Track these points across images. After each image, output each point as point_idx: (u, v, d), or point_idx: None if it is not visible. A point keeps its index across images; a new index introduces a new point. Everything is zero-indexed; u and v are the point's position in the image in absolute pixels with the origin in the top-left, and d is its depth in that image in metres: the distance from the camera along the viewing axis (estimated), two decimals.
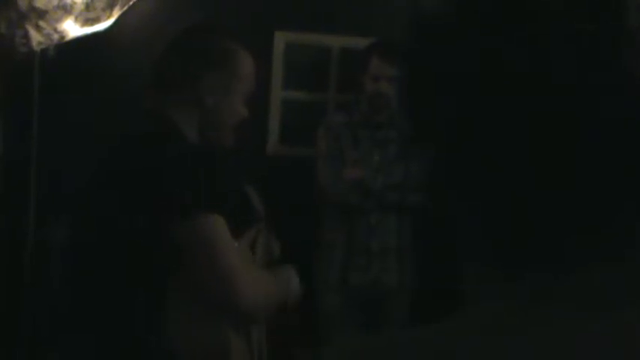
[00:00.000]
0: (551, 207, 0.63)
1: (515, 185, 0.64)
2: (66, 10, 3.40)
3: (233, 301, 1.76)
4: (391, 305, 3.80)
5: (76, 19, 3.48)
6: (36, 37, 3.41)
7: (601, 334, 0.62)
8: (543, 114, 0.62)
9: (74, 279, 2.00)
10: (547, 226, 0.64)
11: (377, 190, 3.69)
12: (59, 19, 3.41)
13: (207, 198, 1.76)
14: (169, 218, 1.74)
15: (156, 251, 1.78)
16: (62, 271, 3.72)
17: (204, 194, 1.76)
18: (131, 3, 3.63)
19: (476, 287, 0.69)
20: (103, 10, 3.50)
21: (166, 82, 1.99)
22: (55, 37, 3.47)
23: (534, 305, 0.64)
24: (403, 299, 3.81)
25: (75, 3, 3.43)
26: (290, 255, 2.30)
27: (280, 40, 4.47)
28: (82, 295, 1.95)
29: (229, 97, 2.01)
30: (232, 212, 1.83)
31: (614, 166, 0.63)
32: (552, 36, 0.63)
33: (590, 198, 0.63)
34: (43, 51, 3.66)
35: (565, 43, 0.62)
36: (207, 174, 1.78)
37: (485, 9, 0.65)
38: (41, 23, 3.38)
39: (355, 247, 3.71)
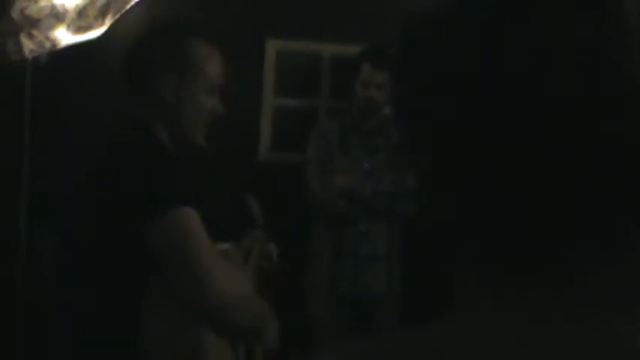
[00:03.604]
0: (549, 212, 0.63)
1: (512, 191, 0.64)
2: (58, 18, 3.41)
3: (203, 293, 1.72)
4: (380, 312, 3.80)
5: (69, 27, 3.48)
6: (28, 45, 3.41)
7: (600, 340, 0.62)
8: (540, 119, 0.62)
9: (61, 281, 2.01)
10: (543, 232, 0.64)
11: (366, 197, 3.70)
12: (51, 27, 3.42)
13: (178, 193, 1.75)
14: (142, 217, 1.73)
15: (134, 252, 1.77)
16: (51, 274, 3.71)
17: (176, 190, 1.75)
18: (123, 11, 3.64)
19: (468, 295, 0.68)
20: (96, 18, 3.51)
21: (131, 83, 1.99)
22: (48, 45, 3.47)
23: (529, 312, 0.64)
24: (392, 306, 3.81)
25: (67, 11, 3.44)
26: (276, 267, 2.32)
27: (271, 47, 4.48)
28: (68, 297, 1.96)
29: (188, 95, 1.96)
30: (226, 217, 1.83)
31: (612, 170, 0.63)
32: (550, 40, 0.62)
33: (589, 202, 0.63)
34: (35, 59, 3.66)
35: (563, 46, 0.62)
36: (177, 173, 1.78)
37: (478, 12, 0.65)
38: (33, 31, 3.38)
39: (344, 254, 3.71)
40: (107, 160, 1.84)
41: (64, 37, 3.52)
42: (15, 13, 3.29)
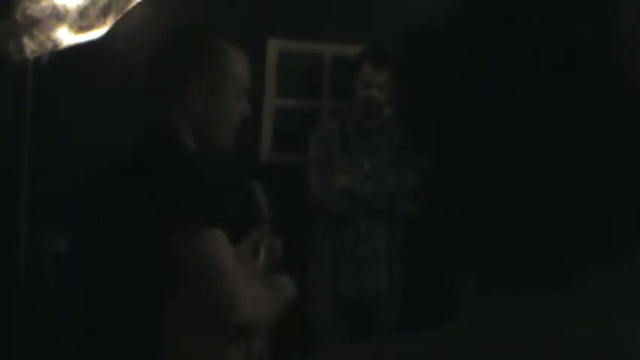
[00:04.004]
0: (549, 212, 0.63)
1: (512, 191, 0.64)
2: (59, 18, 3.41)
3: (232, 315, 1.75)
4: (380, 312, 3.80)
5: (70, 28, 3.48)
6: (30, 46, 3.41)
7: (600, 340, 0.62)
8: (540, 119, 0.62)
9: (71, 288, 2.01)
10: (543, 232, 0.64)
11: (366, 198, 3.70)
12: (53, 28, 3.42)
13: (207, 211, 1.73)
14: (168, 231, 1.71)
15: (154, 263, 1.76)
16: (58, 279, 3.71)
17: (204, 207, 1.73)
18: (125, 11, 3.64)
19: (468, 294, 0.68)
20: (97, 18, 3.51)
21: (157, 88, 1.96)
22: (49, 45, 3.47)
23: (529, 312, 0.64)
24: (392, 306, 3.81)
25: (68, 11, 3.44)
26: (281, 261, 2.32)
27: (273, 47, 4.48)
28: (78, 305, 1.95)
29: (220, 98, 1.95)
30: (236, 212, 1.82)
31: (612, 170, 0.63)
32: (550, 40, 0.62)
33: (589, 202, 0.63)
34: (37, 59, 3.66)
35: (563, 46, 0.62)
36: (206, 186, 1.75)
37: (478, 12, 0.65)
38: (35, 32, 3.38)
39: (344, 254, 3.72)
40: (133, 166, 1.82)
41: (66, 37, 3.52)
42: (17, 14, 3.29)
